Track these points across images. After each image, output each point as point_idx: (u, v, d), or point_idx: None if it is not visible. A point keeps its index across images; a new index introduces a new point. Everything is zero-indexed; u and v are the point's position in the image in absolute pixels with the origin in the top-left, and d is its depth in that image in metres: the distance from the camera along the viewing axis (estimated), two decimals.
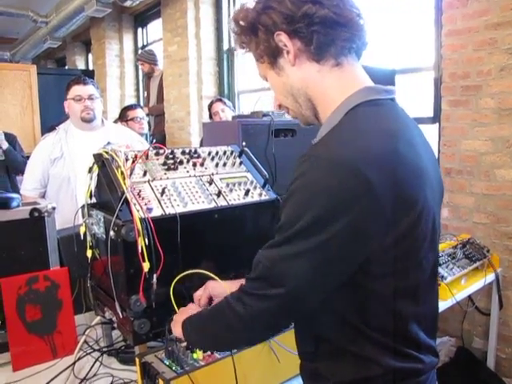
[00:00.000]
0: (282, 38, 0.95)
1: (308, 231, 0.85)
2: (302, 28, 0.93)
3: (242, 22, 1.01)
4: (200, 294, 1.30)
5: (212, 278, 1.31)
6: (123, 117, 4.11)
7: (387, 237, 0.86)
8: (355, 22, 0.95)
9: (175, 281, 1.27)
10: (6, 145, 4.25)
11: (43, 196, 2.63)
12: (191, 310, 1.19)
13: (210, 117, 4.21)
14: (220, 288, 1.28)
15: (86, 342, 1.56)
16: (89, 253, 1.47)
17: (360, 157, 0.83)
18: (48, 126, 4.17)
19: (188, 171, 1.51)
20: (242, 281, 1.31)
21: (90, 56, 8.32)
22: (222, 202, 1.45)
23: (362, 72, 1.00)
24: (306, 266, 0.86)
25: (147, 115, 5.31)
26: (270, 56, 0.99)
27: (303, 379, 1.09)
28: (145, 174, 1.42)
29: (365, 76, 1.00)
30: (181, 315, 1.17)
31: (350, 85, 0.96)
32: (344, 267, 0.88)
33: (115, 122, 4.30)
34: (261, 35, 0.97)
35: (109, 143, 2.55)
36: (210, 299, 1.29)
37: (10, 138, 4.38)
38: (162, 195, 1.37)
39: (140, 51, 6.26)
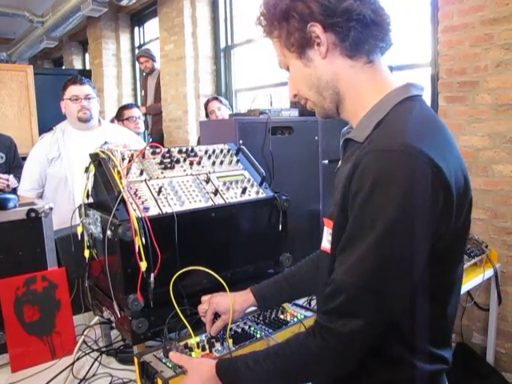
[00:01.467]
0: (316, 30, 0.93)
1: (390, 232, 0.82)
2: (340, 23, 0.92)
3: (273, 8, 0.97)
4: (204, 309, 1.30)
5: (210, 275, 1.32)
6: (119, 116, 4.11)
7: (452, 223, 0.87)
8: (387, 22, 0.96)
9: (174, 278, 1.27)
10: (15, 183, 3.95)
11: (41, 196, 2.62)
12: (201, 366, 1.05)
13: (207, 115, 4.20)
14: (225, 303, 1.28)
15: (84, 342, 1.56)
16: (86, 253, 1.47)
17: (428, 145, 0.83)
18: (46, 126, 4.14)
19: (185, 170, 1.50)
20: (248, 292, 1.32)
21: (86, 56, 8.30)
22: (218, 201, 1.44)
23: (388, 70, 1.01)
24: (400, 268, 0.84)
25: (144, 114, 5.30)
26: (299, 46, 0.96)
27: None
28: (141, 173, 1.42)
29: (391, 74, 1.01)
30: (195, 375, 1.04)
31: (383, 82, 0.97)
32: (422, 259, 0.86)
33: (111, 121, 4.29)
34: (293, 23, 0.94)
35: (106, 143, 2.55)
36: (215, 315, 1.29)
37: (10, 143, 4.31)
38: (158, 194, 1.37)
39: (139, 50, 6.24)
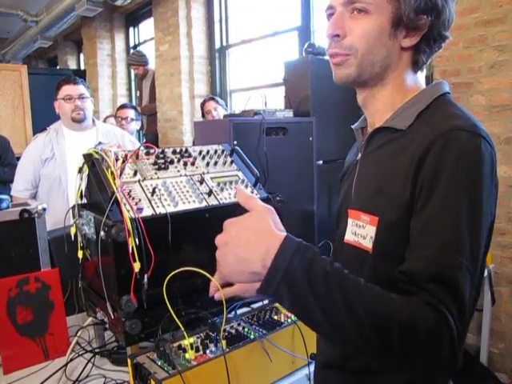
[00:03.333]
0: (424, 26, 0.93)
1: (479, 208, 0.83)
2: (440, 39, 0.97)
3: None
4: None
5: (204, 276, 1.31)
6: (116, 115, 4.19)
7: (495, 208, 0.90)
8: None
9: (167, 279, 1.26)
10: None
11: (34, 197, 2.61)
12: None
13: (203, 116, 4.20)
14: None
15: (78, 343, 1.55)
16: (80, 253, 1.46)
17: (484, 129, 0.88)
18: (40, 126, 4.15)
19: (179, 170, 1.50)
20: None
21: (81, 55, 8.28)
22: (212, 202, 1.44)
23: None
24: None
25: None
26: (404, 19, 0.92)
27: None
28: (135, 173, 1.41)
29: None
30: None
31: (419, 85, 1.01)
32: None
33: (104, 120, 4.34)
34: (421, 2, 0.91)
35: (100, 143, 2.54)
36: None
37: (4, 142, 4.32)
38: (152, 195, 1.37)
39: (129, 55, 6.21)
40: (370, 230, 0.94)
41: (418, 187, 0.86)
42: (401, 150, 0.92)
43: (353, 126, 1.13)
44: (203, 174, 1.53)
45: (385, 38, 0.93)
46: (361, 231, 0.96)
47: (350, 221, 1.01)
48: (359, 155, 1.06)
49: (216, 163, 1.59)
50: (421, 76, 1.04)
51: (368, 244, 0.94)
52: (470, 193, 0.82)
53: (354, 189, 1.03)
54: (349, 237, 1.01)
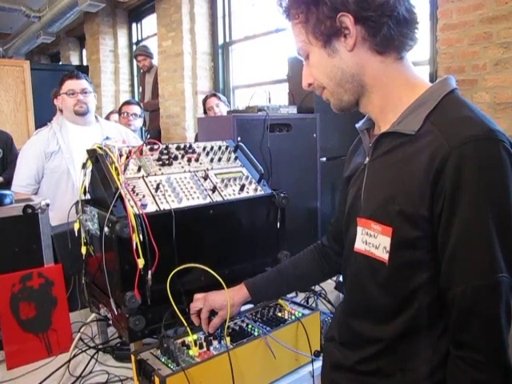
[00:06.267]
0: (347, 21, 0.90)
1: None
2: (374, 17, 0.90)
3: None
4: (197, 307, 1.30)
5: (208, 272, 1.31)
6: (119, 110, 4.18)
7: None
8: (417, 21, 0.95)
9: (171, 276, 1.26)
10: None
11: (36, 193, 2.58)
12: None
13: (205, 112, 4.19)
14: (221, 300, 1.27)
15: (81, 339, 1.55)
16: (83, 249, 1.46)
17: (501, 131, 0.86)
18: (42, 121, 4.15)
19: (183, 167, 1.50)
20: (242, 287, 1.32)
21: (84, 51, 8.27)
22: (217, 198, 1.44)
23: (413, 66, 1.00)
24: None
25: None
26: (326, 34, 0.93)
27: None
28: (139, 169, 1.41)
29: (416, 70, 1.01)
30: None
31: (414, 77, 0.97)
32: None
33: (107, 117, 4.32)
34: (324, 10, 0.91)
35: (107, 138, 2.54)
36: (211, 312, 1.29)
37: (7, 138, 4.31)
38: (156, 191, 1.36)
39: (136, 48, 6.19)
40: (384, 241, 0.92)
41: (439, 204, 0.84)
42: (412, 157, 0.89)
43: (357, 126, 1.10)
44: (207, 170, 1.52)
45: (328, 60, 0.96)
46: (372, 240, 0.95)
47: (359, 229, 0.99)
48: (367, 159, 1.03)
49: (220, 159, 1.58)
50: (412, 66, 0.98)
51: (382, 254, 0.93)
52: (497, 206, 0.82)
53: (364, 195, 1.01)
54: (359, 245, 0.99)
